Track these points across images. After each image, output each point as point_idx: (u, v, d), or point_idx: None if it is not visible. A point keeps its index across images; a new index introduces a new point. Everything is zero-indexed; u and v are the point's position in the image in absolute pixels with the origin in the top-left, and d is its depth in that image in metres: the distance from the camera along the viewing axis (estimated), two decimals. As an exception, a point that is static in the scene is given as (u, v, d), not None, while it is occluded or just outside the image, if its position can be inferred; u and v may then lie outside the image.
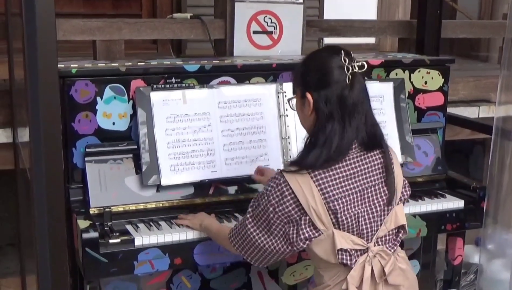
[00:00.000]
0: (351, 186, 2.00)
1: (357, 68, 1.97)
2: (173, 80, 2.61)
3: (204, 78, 2.66)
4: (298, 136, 2.71)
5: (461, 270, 3.13)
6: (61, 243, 1.92)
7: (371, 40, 5.44)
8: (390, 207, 2.06)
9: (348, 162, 1.99)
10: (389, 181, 2.05)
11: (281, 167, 2.14)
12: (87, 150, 2.47)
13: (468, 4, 6.27)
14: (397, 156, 2.19)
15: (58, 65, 1.91)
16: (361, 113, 1.99)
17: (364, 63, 1.99)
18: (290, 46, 3.30)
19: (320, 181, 1.96)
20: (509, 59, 2.79)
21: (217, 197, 2.61)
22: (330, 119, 1.97)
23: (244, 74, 2.74)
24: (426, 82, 3.06)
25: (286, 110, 2.71)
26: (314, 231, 1.97)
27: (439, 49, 3.61)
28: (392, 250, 2.08)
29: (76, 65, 2.52)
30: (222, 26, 3.31)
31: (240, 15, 3.21)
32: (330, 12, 5.06)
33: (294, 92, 2.13)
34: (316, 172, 1.96)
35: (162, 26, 3.36)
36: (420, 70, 3.06)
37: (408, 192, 2.20)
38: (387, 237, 2.08)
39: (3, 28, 3.16)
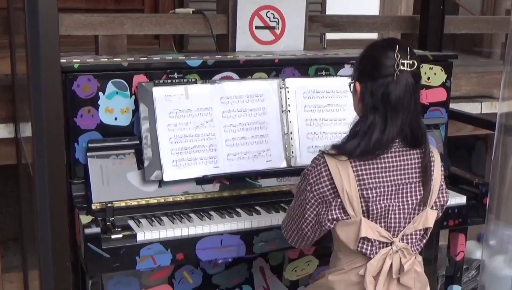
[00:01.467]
0: (387, 179, 2.03)
1: (407, 66, 1.98)
2: (176, 75, 2.60)
3: (206, 73, 2.66)
4: (300, 132, 2.71)
5: (463, 266, 3.13)
6: (63, 238, 1.92)
7: (374, 35, 5.41)
8: (422, 207, 2.08)
9: (388, 155, 2.02)
10: (426, 181, 2.07)
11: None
12: (89, 145, 2.46)
13: (470, 0, 6.25)
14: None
15: (61, 60, 1.91)
16: (406, 111, 1.99)
17: (415, 62, 2.00)
18: (292, 42, 3.29)
19: (358, 168, 2.00)
20: (512, 55, 2.78)
21: (219, 192, 2.61)
22: (372, 111, 2.00)
23: (247, 69, 2.74)
24: (428, 78, 3.05)
25: (289, 105, 2.71)
26: (343, 214, 2.01)
27: (442, 44, 3.60)
28: (414, 251, 2.11)
29: (78, 60, 2.51)
30: (224, 21, 3.31)
31: (242, 10, 3.21)
32: (333, 8, 5.06)
33: (352, 78, 2.16)
34: (356, 160, 2.00)
35: (164, 21, 3.35)
36: (422, 66, 3.00)
37: (445, 199, 2.19)
38: (413, 237, 2.09)
39: (5, 23, 3.16)
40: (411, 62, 1.98)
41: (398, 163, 2.04)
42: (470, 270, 3.95)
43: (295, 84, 2.74)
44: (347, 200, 1.99)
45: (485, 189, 2.83)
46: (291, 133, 2.71)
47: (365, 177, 2.00)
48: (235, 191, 2.63)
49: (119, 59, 2.66)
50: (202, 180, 2.58)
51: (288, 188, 2.68)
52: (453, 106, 3.33)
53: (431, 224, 2.12)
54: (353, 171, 1.99)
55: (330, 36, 4.01)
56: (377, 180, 2.01)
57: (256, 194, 2.65)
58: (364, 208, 2.01)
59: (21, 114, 2.98)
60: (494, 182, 2.89)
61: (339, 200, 2.00)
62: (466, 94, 4.03)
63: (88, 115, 2.48)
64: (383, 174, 2.02)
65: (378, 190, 2.01)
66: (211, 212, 2.52)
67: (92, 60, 2.61)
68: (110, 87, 2.51)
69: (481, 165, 4.67)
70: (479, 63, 5.01)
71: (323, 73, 2.85)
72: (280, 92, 2.71)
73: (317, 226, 2.06)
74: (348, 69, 2.90)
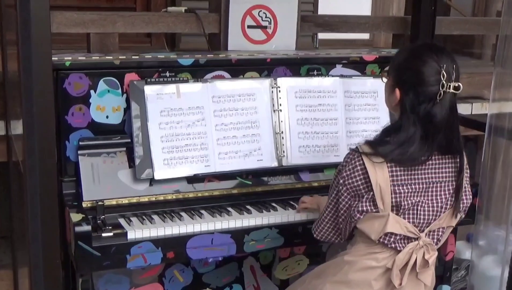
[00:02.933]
0: (419, 177, 2.05)
1: (451, 88, 1.97)
2: (167, 74, 2.60)
3: (198, 72, 2.66)
4: (291, 131, 2.71)
5: (452, 266, 3.13)
6: (54, 236, 1.92)
7: (365, 36, 5.43)
8: (452, 206, 2.11)
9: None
10: (458, 183, 2.10)
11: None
12: (80, 143, 2.46)
13: (462, 1, 6.27)
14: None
15: (52, 58, 1.91)
16: (447, 131, 2.02)
17: (460, 85, 1.98)
18: (284, 41, 3.29)
19: (393, 164, 2.02)
20: (503, 56, 2.80)
21: (210, 191, 2.61)
22: (413, 126, 1.99)
23: (239, 68, 2.74)
24: (419, 79, 3.05)
25: (280, 105, 2.71)
26: (372, 207, 2.04)
27: (433, 45, 3.60)
28: (436, 247, 2.14)
29: (70, 58, 2.50)
30: (216, 20, 3.31)
31: (234, 10, 3.20)
32: (325, 8, 5.06)
33: (388, 74, 2.14)
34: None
35: (157, 20, 3.35)
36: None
37: (468, 200, 2.19)
38: (436, 234, 2.12)
39: (-4, 20, 3.14)
40: (456, 85, 1.98)
41: (432, 163, 2.06)
42: (460, 270, 3.96)
43: (287, 83, 2.75)
44: (379, 193, 2.02)
45: (475, 190, 2.84)
46: (282, 132, 2.71)
47: (399, 174, 2.03)
48: (226, 190, 2.63)
49: (111, 57, 2.65)
50: (193, 179, 2.58)
51: (279, 188, 2.70)
52: (443, 106, 3.33)
53: (454, 223, 2.16)
54: (388, 167, 2.02)
55: (322, 36, 4.00)
56: (409, 177, 2.04)
57: (247, 193, 2.65)
58: (393, 203, 2.04)
59: (12, 112, 2.97)
60: (484, 183, 2.91)
61: (371, 193, 2.03)
62: (457, 95, 4.04)
63: (79, 113, 2.48)
64: (416, 172, 2.05)
65: (410, 187, 2.04)
66: (202, 211, 2.51)
67: (84, 58, 2.61)
68: (101, 85, 2.50)
69: (471, 165, 4.68)
70: (470, 64, 5.03)
71: (315, 72, 2.86)
72: (272, 91, 2.72)
73: (348, 218, 2.10)
74: (339, 69, 2.91)
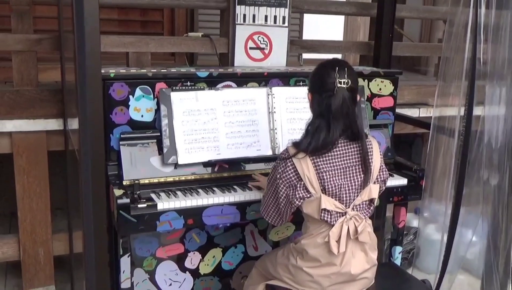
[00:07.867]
0: (337, 163, 2.06)
1: (343, 84, 2.01)
2: (188, 83, 2.60)
3: (212, 82, 2.65)
4: (283, 128, 2.71)
5: (404, 232, 3.15)
6: (102, 207, 1.91)
7: (339, 56, 5.42)
8: (365, 183, 2.11)
9: (336, 146, 2.06)
10: (365, 165, 2.10)
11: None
12: (121, 136, 2.46)
13: (411, 30, 6.28)
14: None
15: (100, 70, 1.90)
16: (345, 117, 2.03)
17: (350, 81, 2.03)
18: (277, 60, 3.29)
19: (314, 157, 2.04)
20: (444, 73, 2.80)
21: (220, 173, 2.61)
22: (319, 116, 2.05)
23: (243, 80, 2.74)
24: (380, 89, 3.06)
25: (274, 108, 2.71)
26: (306, 193, 2.05)
27: (391, 63, 3.61)
28: (364, 216, 2.13)
29: (114, 71, 2.50)
30: (226, 43, 3.30)
31: (239, 35, 3.20)
32: (307, 34, 5.05)
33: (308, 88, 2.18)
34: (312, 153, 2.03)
35: (180, 42, 3.34)
36: (376, 79, 3.06)
37: (385, 175, 2.22)
38: (361, 206, 2.12)
39: (57, 42, 3.14)
40: (346, 81, 2.02)
41: (344, 152, 2.07)
42: (409, 235, 3.98)
43: (279, 91, 2.74)
44: (308, 182, 2.03)
45: (422, 173, 2.85)
46: (276, 129, 2.71)
47: (320, 164, 2.04)
48: (232, 172, 2.63)
49: (145, 70, 2.64)
50: (207, 164, 2.58)
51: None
52: (398, 110, 3.34)
53: (375, 195, 2.15)
54: (311, 160, 2.04)
55: (306, 56, 4.00)
56: (329, 165, 2.05)
57: (248, 175, 2.64)
58: (321, 187, 2.05)
59: (69, 112, 2.96)
60: (429, 169, 2.92)
61: (302, 183, 2.04)
62: (408, 101, 4.05)
63: (121, 113, 2.48)
64: (334, 160, 2.06)
65: (331, 173, 2.05)
66: (214, 188, 2.52)
67: (124, 70, 2.60)
68: (138, 91, 2.50)
69: (418, 155, 4.69)
70: (418, 78, 5.03)
71: (301, 83, 2.86)
72: (268, 97, 2.71)
73: (288, 205, 2.10)
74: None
